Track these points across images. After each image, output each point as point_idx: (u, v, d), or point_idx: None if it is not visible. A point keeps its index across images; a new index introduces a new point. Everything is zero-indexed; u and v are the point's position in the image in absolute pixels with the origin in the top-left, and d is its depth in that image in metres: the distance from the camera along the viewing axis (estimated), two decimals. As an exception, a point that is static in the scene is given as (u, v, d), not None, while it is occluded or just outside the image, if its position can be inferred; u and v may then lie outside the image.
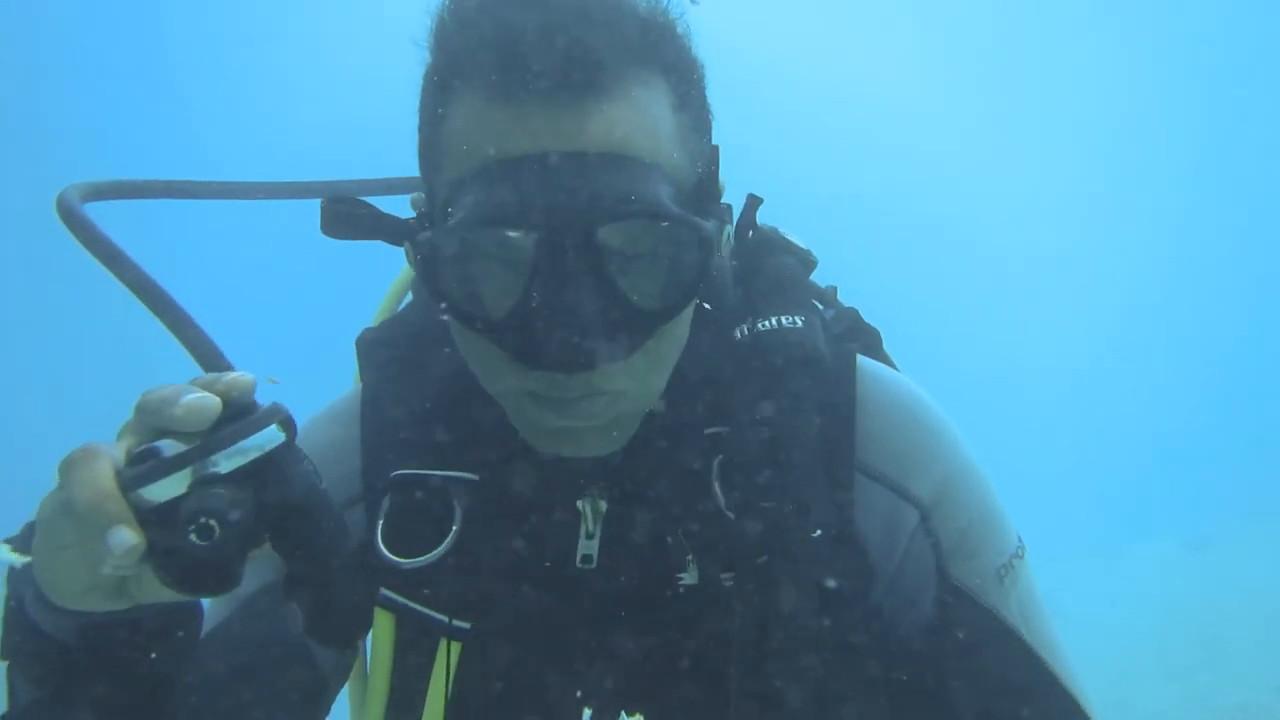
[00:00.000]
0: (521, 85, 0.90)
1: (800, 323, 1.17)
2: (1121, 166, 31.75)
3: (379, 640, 1.16)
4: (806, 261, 1.27)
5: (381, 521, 1.13)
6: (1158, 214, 31.66)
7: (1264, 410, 24.55)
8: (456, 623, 1.12)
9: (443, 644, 1.13)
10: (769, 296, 1.20)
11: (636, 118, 0.93)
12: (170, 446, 0.81)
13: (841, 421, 1.16)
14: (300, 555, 0.85)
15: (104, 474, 0.79)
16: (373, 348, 1.24)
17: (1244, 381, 26.76)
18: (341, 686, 1.26)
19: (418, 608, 1.13)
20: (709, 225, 0.96)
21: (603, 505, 1.13)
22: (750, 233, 1.22)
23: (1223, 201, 30.85)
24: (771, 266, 1.23)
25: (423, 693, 1.14)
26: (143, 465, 0.80)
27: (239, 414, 0.82)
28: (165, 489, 0.79)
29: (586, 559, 1.13)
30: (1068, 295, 31.46)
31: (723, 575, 1.08)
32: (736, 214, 1.24)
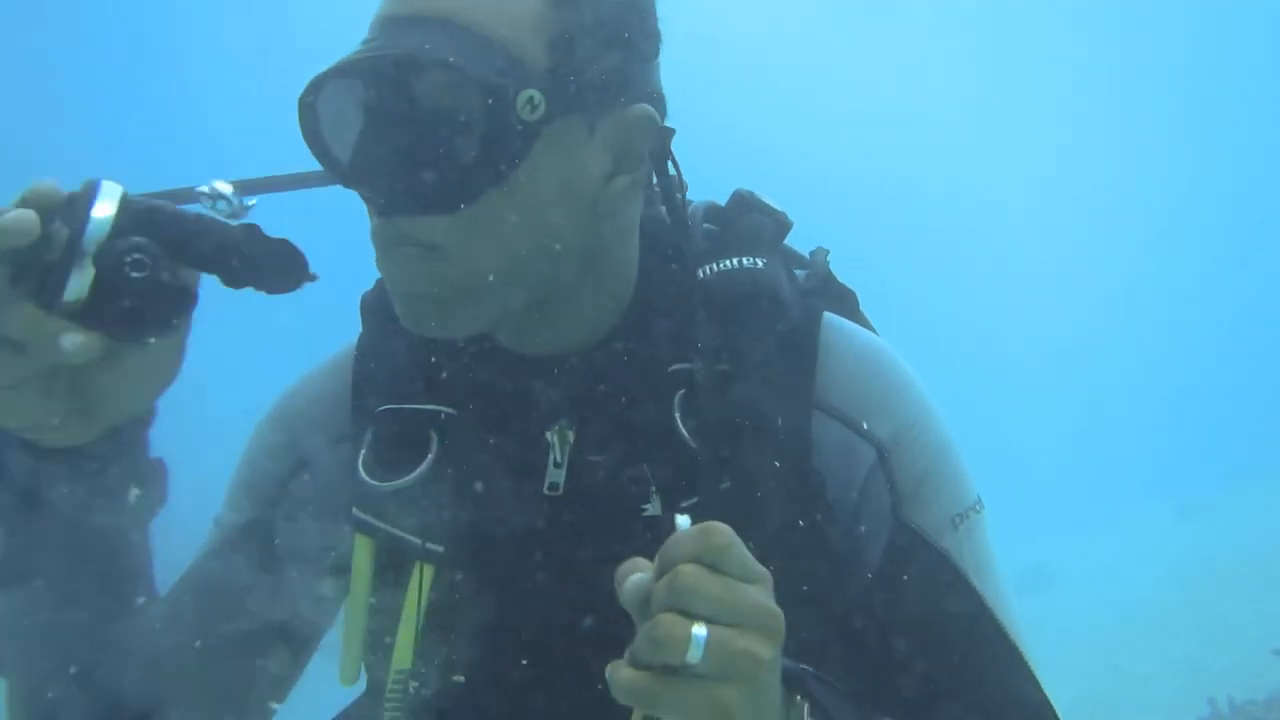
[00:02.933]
0: None
1: (762, 264, 1.23)
2: (1115, 149, 31.81)
3: (359, 564, 1.20)
4: (781, 222, 1.32)
5: (364, 450, 1.20)
6: (1148, 190, 31.74)
7: (1253, 374, 24.69)
8: (430, 545, 1.17)
9: (416, 567, 1.18)
10: (735, 244, 1.26)
11: None
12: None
13: (803, 361, 1.21)
14: (205, 251, 0.91)
15: (20, 305, 0.84)
16: (369, 304, 1.31)
17: (1233, 347, 26.91)
18: (329, 627, 1.30)
19: (392, 530, 1.18)
20: (518, 93, 1.02)
21: (570, 435, 1.18)
22: (669, 165, 1.23)
23: (1215, 179, 30.93)
24: (744, 223, 1.30)
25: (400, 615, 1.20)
26: (42, 278, 0.84)
27: (63, 206, 0.87)
28: (80, 282, 0.84)
29: (554, 486, 1.17)
30: (1060, 267, 31.57)
31: (684, 504, 1.11)
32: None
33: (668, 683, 0.82)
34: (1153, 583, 11.63)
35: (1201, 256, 29.90)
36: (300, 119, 1.08)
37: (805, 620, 1.10)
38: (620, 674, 0.83)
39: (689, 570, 0.83)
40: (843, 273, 1.38)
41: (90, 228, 0.86)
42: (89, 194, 0.87)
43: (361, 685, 1.27)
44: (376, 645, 1.21)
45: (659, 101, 1.18)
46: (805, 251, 1.39)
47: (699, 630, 0.81)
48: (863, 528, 1.19)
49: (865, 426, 1.19)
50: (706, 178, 1.38)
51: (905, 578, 1.17)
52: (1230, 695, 7.10)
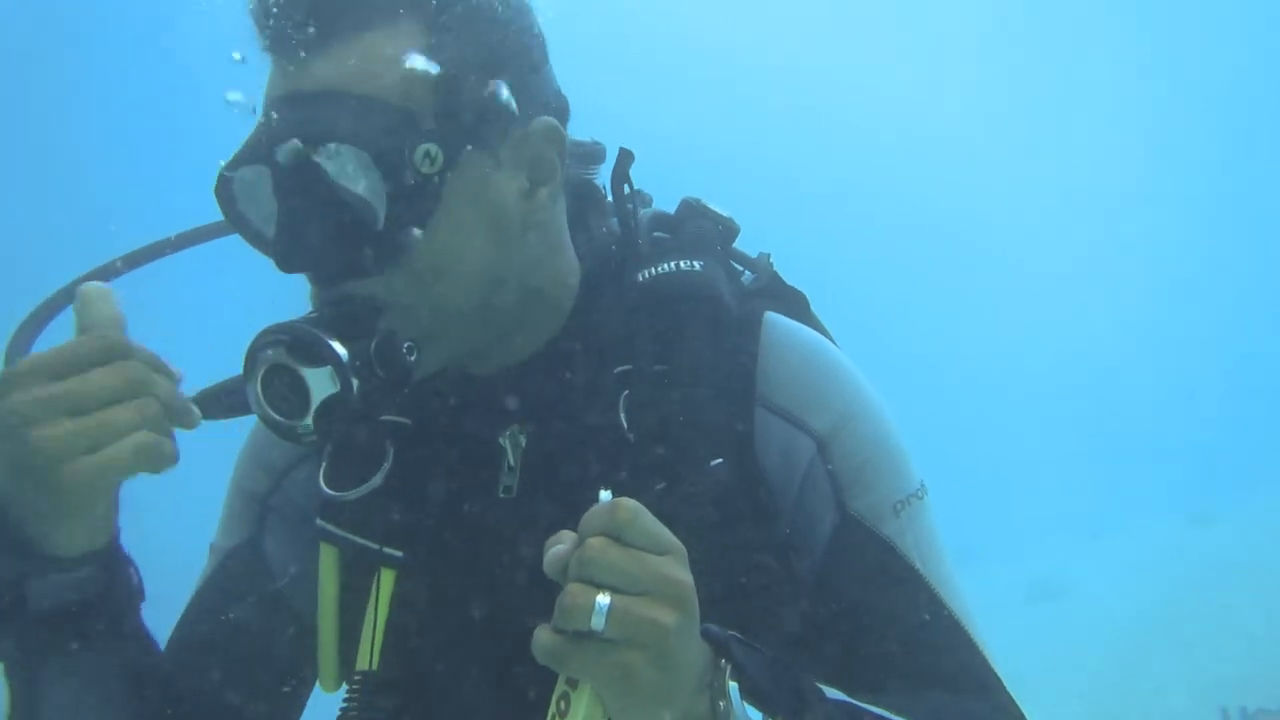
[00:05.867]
0: (271, 43, 1.10)
1: (699, 267, 1.28)
2: (1129, 155, 31.70)
3: (325, 574, 1.26)
4: (728, 228, 1.37)
5: (324, 463, 1.27)
6: (1163, 199, 31.61)
7: (1267, 384, 24.55)
8: (389, 550, 1.22)
9: (379, 573, 1.23)
10: (677, 249, 1.31)
11: (357, 59, 1.08)
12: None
13: (744, 359, 1.25)
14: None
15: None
16: None
17: (1247, 356, 26.77)
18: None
19: (354, 538, 1.23)
20: (413, 150, 1.06)
21: (522, 440, 1.24)
22: (626, 188, 1.31)
23: (1231, 187, 30.81)
24: (688, 228, 1.35)
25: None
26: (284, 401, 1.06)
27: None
28: (323, 385, 1.04)
29: (508, 489, 1.23)
30: (1073, 277, 31.45)
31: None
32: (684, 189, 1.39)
33: (577, 645, 0.89)
34: (1165, 592, 11.57)
35: (1216, 266, 29.78)
36: (221, 208, 1.15)
37: (750, 609, 1.16)
38: (539, 636, 0.91)
39: (595, 543, 0.90)
40: (851, 282, 1.41)
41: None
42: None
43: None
44: (348, 649, 1.25)
45: (559, 105, 1.22)
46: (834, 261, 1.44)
47: (602, 599, 0.88)
48: (807, 519, 1.23)
49: (804, 420, 1.24)
50: (708, 186, 1.43)
51: (848, 564, 1.21)
52: (1243, 705, 7.08)
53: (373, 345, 1.05)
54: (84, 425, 0.94)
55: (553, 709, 0.95)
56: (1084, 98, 31.78)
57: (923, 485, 1.29)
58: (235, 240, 1.43)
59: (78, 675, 1.10)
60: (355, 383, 1.02)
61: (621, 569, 0.89)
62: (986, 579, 11.82)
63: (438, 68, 1.09)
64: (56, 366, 0.96)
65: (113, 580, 1.07)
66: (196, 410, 1.03)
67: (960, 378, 27.54)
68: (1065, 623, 11.33)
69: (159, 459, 0.97)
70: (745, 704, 0.96)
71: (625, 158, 1.30)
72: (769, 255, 1.41)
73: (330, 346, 1.03)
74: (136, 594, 1.12)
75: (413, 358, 1.08)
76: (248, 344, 1.05)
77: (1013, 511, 17.71)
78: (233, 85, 1.17)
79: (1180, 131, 31.25)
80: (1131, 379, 28.06)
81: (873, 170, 29.42)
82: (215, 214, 1.20)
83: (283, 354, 1.03)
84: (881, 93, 30.29)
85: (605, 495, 0.93)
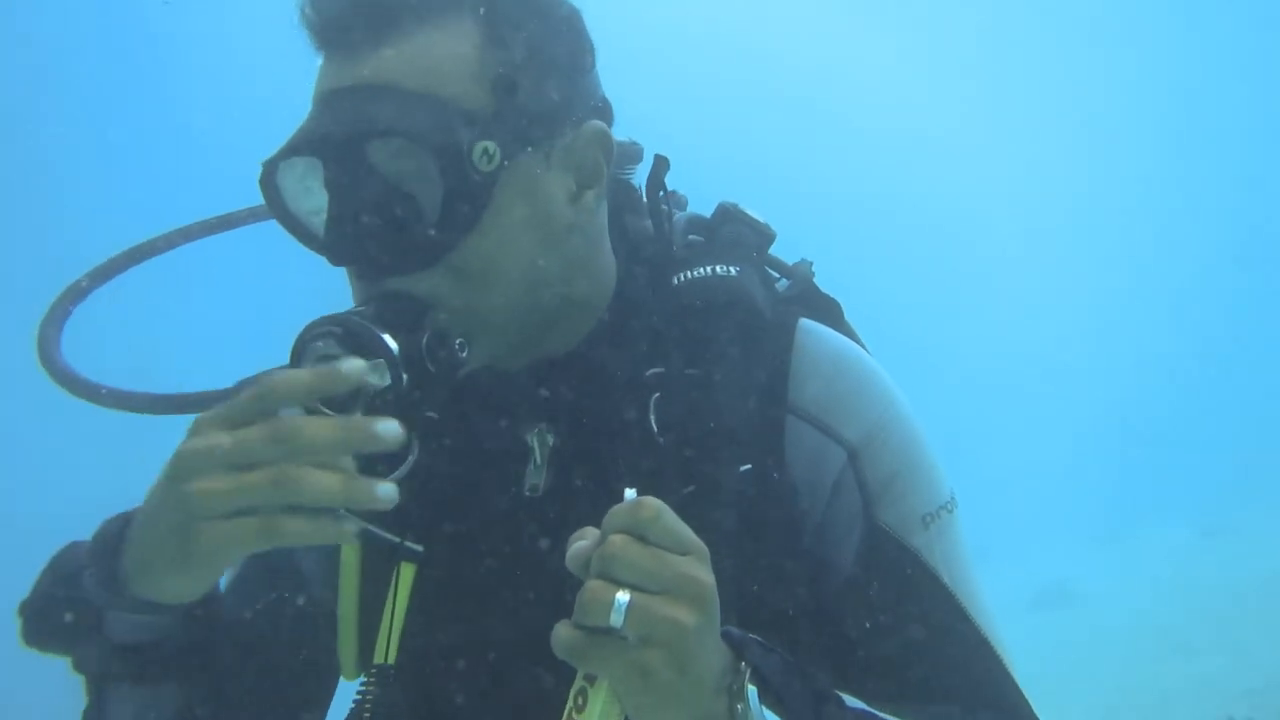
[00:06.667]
0: (323, 39, 1.10)
1: (734, 272, 1.27)
2: (1130, 155, 31.59)
3: (346, 564, 1.26)
4: (763, 233, 1.36)
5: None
6: (1168, 198, 31.49)
7: (1277, 395, 24.43)
8: (410, 545, 1.22)
9: (399, 567, 1.22)
10: (712, 253, 1.30)
11: (412, 56, 1.08)
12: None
13: (775, 366, 1.24)
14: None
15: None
16: None
17: (1260, 366, 26.64)
18: None
19: (377, 531, 1.22)
20: (471, 147, 1.06)
21: (550, 439, 1.23)
22: (661, 192, 1.31)
23: (1236, 180, 30.68)
24: (724, 233, 1.35)
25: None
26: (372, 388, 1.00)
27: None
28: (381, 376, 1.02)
29: (534, 488, 1.22)
30: (1080, 281, 31.34)
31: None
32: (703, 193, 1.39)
33: (595, 642, 0.89)
34: (1174, 602, 11.53)
35: (1230, 273, 29.63)
36: (265, 198, 1.15)
37: (771, 617, 1.15)
38: (558, 631, 0.91)
39: (617, 540, 0.90)
40: (856, 283, 1.40)
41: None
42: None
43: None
44: (368, 642, 1.25)
45: (606, 109, 1.23)
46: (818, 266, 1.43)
47: (622, 596, 0.88)
48: (835, 529, 1.22)
49: (835, 429, 1.23)
50: (694, 184, 1.43)
51: (876, 577, 1.20)
52: (1249, 717, 7.05)
53: (424, 340, 1.05)
54: (238, 485, 0.90)
55: (570, 704, 0.95)
56: (1100, 92, 31.65)
57: (953, 498, 1.28)
58: (234, 236, 1.44)
59: (137, 703, 1.13)
60: (405, 377, 1.02)
61: (642, 567, 0.89)
62: (992, 585, 11.77)
63: (495, 66, 1.10)
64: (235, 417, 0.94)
65: (189, 630, 1.09)
66: (386, 490, 0.94)
67: (968, 380, 27.46)
68: (1073, 631, 11.28)
69: (306, 539, 0.94)
70: (764, 708, 0.96)
71: (661, 165, 1.30)
72: (810, 263, 1.40)
73: (382, 339, 1.02)
74: (213, 643, 1.14)
75: (464, 354, 1.08)
76: (296, 335, 1.04)
77: (1020, 517, 17.67)
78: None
79: (1200, 123, 31.11)
80: (1144, 387, 27.95)
81: (878, 171, 29.36)
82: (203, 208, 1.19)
83: (333, 345, 1.02)
84: (881, 91, 30.17)
85: (630, 494, 0.93)
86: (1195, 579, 12.18)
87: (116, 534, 1.03)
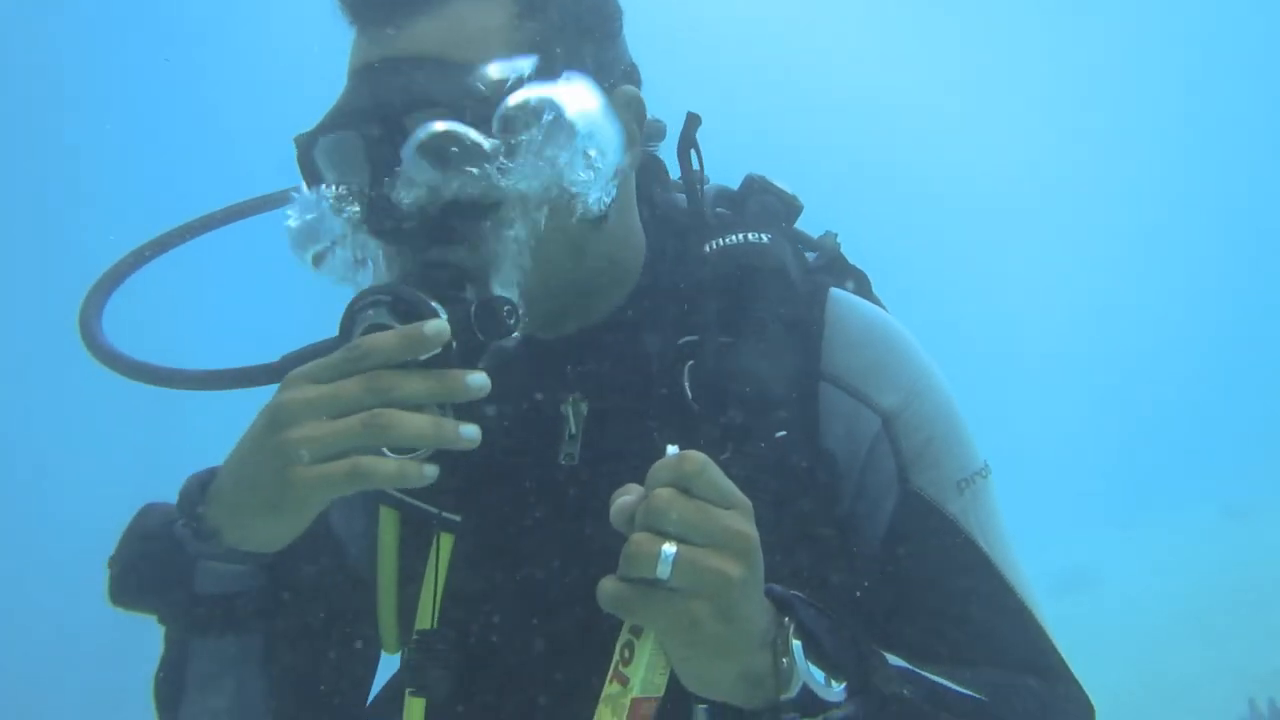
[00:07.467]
0: (357, 13, 1.11)
1: (766, 239, 1.28)
2: (1157, 138, 31.29)
3: (385, 536, 1.27)
4: (790, 205, 1.38)
5: None
6: (1191, 183, 31.20)
7: (1304, 376, 24.19)
8: (447, 515, 1.23)
9: (438, 537, 1.23)
10: (743, 222, 1.31)
11: (448, 27, 1.08)
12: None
13: (809, 333, 1.24)
14: None
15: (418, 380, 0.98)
16: None
17: (1283, 347, 26.37)
18: None
19: (412, 502, 1.24)
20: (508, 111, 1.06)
21: (584, 408, 1.23)
22: (691, 151, 1.30)
23: (1264, 151, 30.35)
24: (753, 203, 1.36)
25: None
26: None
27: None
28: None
29: (569, 457, 1.23)
30: (1104, 264, 31.10)
31: None
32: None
33: (642, 593, 0.90)
34: (1196, 585, 11.46)
35: (1252, 253, 29.34)
36: (302, 172, 1.14)
37: (808, 581, 1.14)
38: (604, 584, 0.92)
39: (663, 493, 0.91)
40: (876, 271, 1.40)
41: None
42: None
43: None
44: (408, 612, 1.26)
45: (634, 73, 1.23)
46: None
47: (669, 548, 0.89)
48: (870, 495, 1.22)
49: (870, 396, 1.23)
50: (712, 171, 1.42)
51: (911, 541, 1.21)
52: (1271, 698, 7.01)
53: (473, 308, 1.05)
54: (333, 430, 0.96)
55: (616, 656, 0.96)
56: (1118, 74, 31.35)
57: (986, 465, 1.28)
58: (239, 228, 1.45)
59: (221, 654, 1.16)
60: (454, 345, 1.02)
61: (688, 519, 0.90)
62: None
63: (530, 34, 1.10)
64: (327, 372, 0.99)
65: (274, 582, 1.13)
66: (470, 430, 1.01)
67: (988, 364, 27.33)
68: (1095, 614, 11.24)
69: (391, 481, 0.99)
70: (809, 664, 0.96)
71: (693, 121, 1.29)
72: (835, 235, 1.40)
73: (433, 307, 1.02)
74: (298, 599, 1.18)
75: (512, 321, 1.08)
76: (346, 304, 1.05)
77: (1045, 503, 17.58)
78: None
79: (1220, 109, 30.78)
80: (1166, 368, 27.74)
81: (895, 154, 29.16)
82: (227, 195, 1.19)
83: (384, 314, 1.02)
84: (857, 72, 29.87)
85: (672, 449, 0.94)
86: (1218, 561, 12.10)
87: (200, 489, 1.07)
